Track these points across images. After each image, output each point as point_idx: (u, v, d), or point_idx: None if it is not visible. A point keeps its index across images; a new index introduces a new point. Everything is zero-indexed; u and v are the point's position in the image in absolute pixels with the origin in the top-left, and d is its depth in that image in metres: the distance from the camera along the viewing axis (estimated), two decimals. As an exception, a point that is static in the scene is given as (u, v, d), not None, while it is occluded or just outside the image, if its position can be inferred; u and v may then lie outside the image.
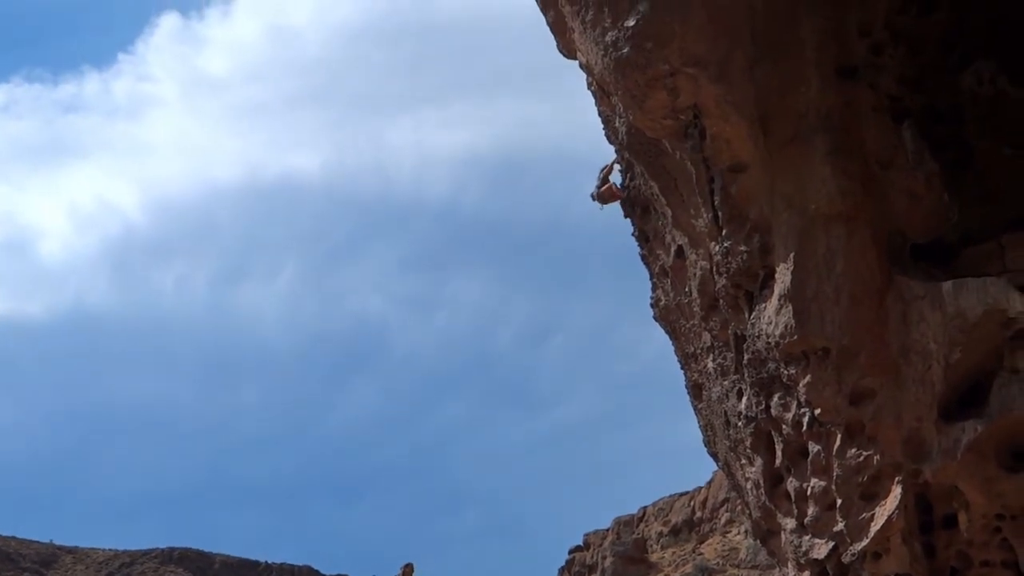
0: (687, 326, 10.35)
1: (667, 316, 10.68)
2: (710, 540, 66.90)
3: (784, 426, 9.20)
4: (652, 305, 10.78)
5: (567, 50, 9.94)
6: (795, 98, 8.64)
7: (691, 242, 9.65)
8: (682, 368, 10.86)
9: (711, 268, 9.43)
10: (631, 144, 9.58)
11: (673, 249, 9.95)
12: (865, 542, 8.79)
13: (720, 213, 8.99)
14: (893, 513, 8.59)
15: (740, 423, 9.66)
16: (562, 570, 73.68)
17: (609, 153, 10.47)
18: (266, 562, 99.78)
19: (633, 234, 10.77)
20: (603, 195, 10.68)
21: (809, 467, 9.15)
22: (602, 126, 10.16)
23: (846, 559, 8.93)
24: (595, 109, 10.07)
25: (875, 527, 8.71)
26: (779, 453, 9.35)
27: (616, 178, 10.73)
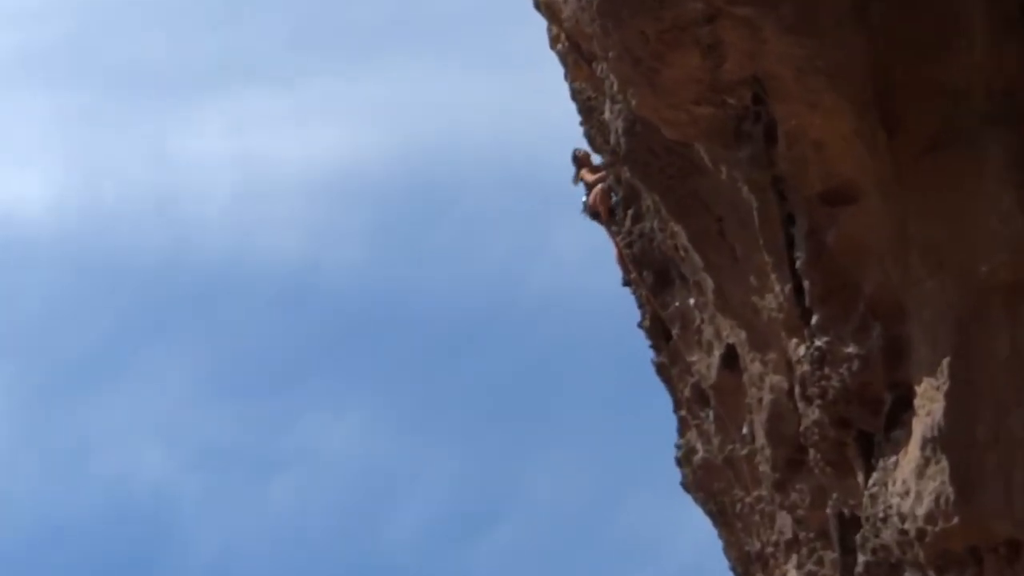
0: (747, 501, 8.96)
1: (707, 481, 9.27)
2: None
3: None
4: (678, 461, 9.36)
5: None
6: (942, 66, 6.84)
7: (752, 339, 8.18)
8: (738, 581, 9.96)
9: (791, 389, 7.98)
10: (633, 152, 7.97)
11: (718, 353, 8.52)
12: None
13: (808, 282, 7.31)
14: None
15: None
16: None
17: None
18: None
19: (640, 325, 9.09)
20: (594, 206, 9.47)
21: None
22: (579, 118, 8.82)
23: None
24: (562, 87, 9.00)
25: None
26: None
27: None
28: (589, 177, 9.83)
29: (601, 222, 9.74)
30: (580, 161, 10.07)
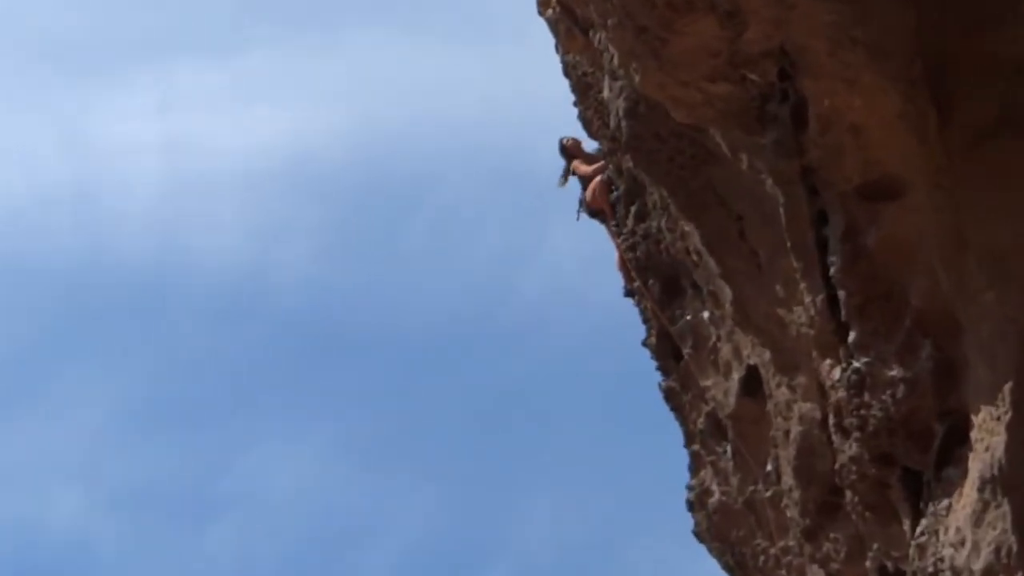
0: (771, 552, 8.57)
1: (725, 529, 9.03)
2: None
3: None
4: (690, 504, 9.15)
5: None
6: (1003, 37, 6.39)
7: (778, 360, 7.81)
8: (761, 647, 9.80)
9: (824, 419, 7.46)
10: (637, 137, 7.73)
11: (737, 376, 8.28)
12: None
13: (844, 292, 6.86)
14: None
15: None
16: None
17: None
18: None
19: (645, 342, 8.94)
20: (592, 202, 9.21)
21: None
22: (573, 98, 8.58)
23: None
24: (550, 62, 8.99)
25: None
26: None
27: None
28: (584, 169, 9.17)
29: (603, 220, 9.14)
30: (569, 151, 9.40)
